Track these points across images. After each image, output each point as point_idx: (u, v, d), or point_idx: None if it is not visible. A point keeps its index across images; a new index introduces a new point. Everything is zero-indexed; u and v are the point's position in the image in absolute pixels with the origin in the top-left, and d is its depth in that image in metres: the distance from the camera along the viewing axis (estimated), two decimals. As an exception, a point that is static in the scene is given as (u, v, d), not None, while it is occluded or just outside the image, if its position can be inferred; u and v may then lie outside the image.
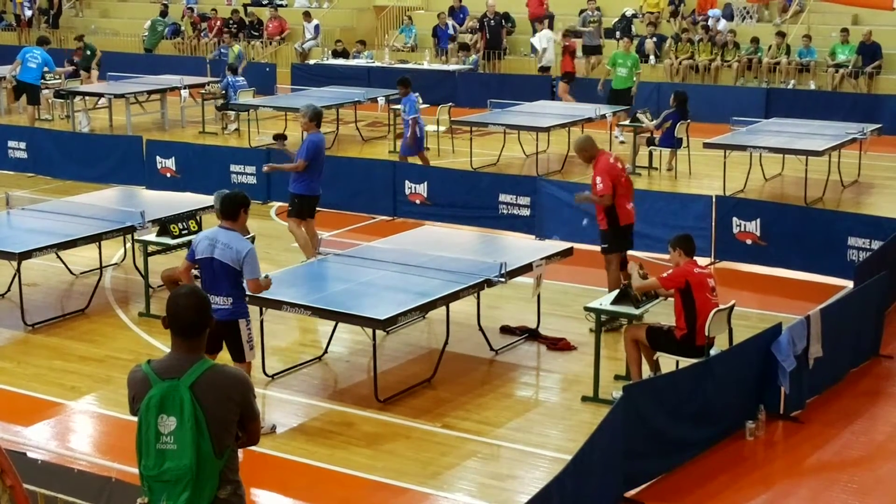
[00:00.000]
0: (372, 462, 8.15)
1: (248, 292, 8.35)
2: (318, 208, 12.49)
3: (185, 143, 17.75)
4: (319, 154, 12.11)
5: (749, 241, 12.62)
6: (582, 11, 24.99)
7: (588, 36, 24.66)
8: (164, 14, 29.55)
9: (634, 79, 19.55)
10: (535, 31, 24.86)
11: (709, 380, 8.19)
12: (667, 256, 9.28)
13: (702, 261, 11.91)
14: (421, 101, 17.55)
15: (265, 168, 13.30)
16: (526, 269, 10.10)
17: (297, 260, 11.96)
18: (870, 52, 22.59)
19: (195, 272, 8.55)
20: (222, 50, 23.15)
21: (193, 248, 8.45)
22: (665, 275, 8.84)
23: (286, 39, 28.36)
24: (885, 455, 8.40)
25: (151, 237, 11.28)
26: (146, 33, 28.85)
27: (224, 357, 8.30)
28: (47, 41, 22.69)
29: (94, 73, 23.82)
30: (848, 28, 23.24)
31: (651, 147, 17.53)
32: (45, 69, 20.99)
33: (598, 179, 10.49)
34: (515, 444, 8.47)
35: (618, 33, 25.20)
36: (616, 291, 9.30)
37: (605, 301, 9.33)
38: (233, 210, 8.32)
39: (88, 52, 23.90)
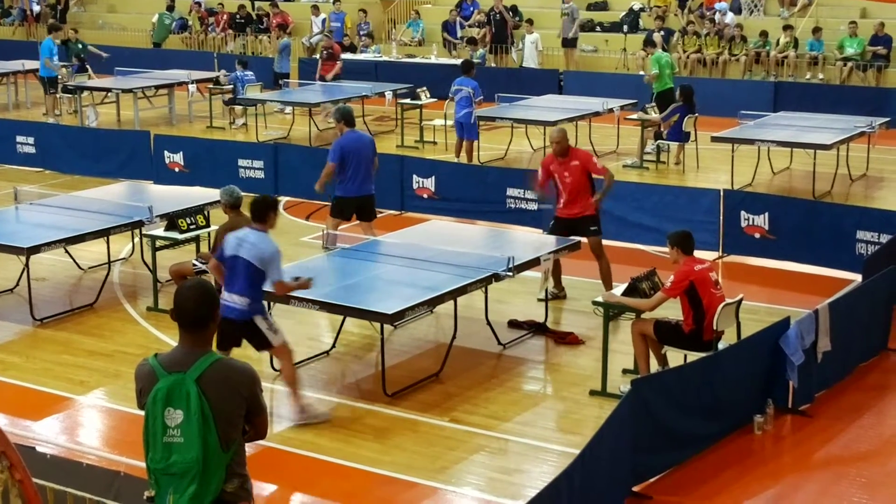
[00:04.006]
0: (380, 456, 8.15)
1: (274, 293, 8.54)
2: (326, 203, 12.32)
3: (193, 138, 17.76)
4: (347, 155, 11.81)
5: (757, 235, 12.60)
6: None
7: (564, 28, 24.76)
8: (170, 8, 29.60)
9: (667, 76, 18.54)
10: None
11: (717, 374, 8.18)
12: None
13: (709, 255, 11.97)
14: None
15: (317, 188, 12.33)
16: (534, 263, 10.10)
17: (305, 254, 11.97)
18: (882, 44, 22.59)
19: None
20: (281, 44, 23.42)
21: (222, 247, 8.57)
22: (668, 284, 8.78)
23: (293, 34, 28.35)
24: (894, 449, 8.39)
25: (159, 232, 11.29)
26: (153, 28, 28.90)
27: (239, 353, 8.33)
28: (54, 28, 22.79)
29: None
30: (856, 21, 23.18)
31: (659, 141, 17.51)
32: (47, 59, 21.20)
33: (595, 159, 11.29)
34: (523, 439, 8.47)
35: (625, 27, 25.25)
36: (625, 286, 9.27)
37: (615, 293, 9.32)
38: (261, 212, 8.45)
39: (80, 46, 23.98)
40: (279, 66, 22.86)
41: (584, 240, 10.98)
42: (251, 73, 21.71)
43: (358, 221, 12.15)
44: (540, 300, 10.94)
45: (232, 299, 8.32)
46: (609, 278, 11.02)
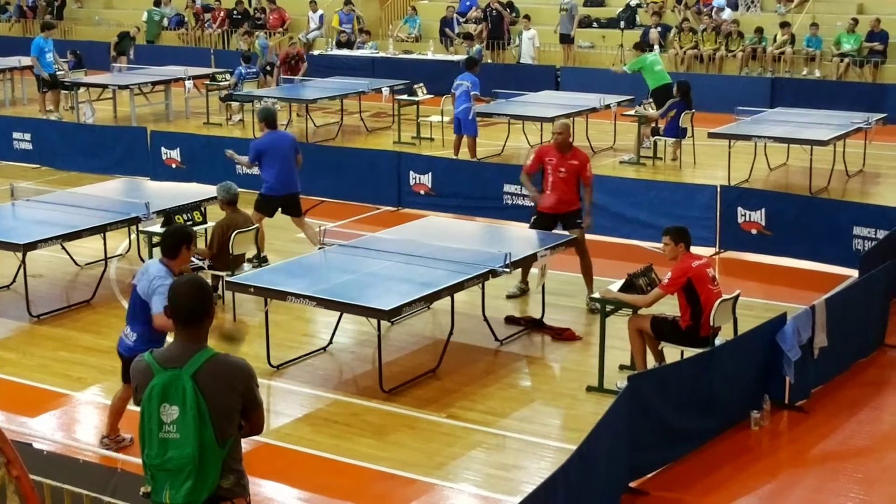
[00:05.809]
0: (377, 452, 8.15)
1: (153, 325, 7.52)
2: (323, 199, 12.48)
3: (190, 134, 17.73)
4: (263, 154, 12.07)
5: (754, 231, 12.60)
6: None
7: (562, 24, 24.90)
8: (157, 3, 29.54)
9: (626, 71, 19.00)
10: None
11: (714, 370, 8.19)
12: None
13: (706, 251, 11.97)
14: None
15: (226, 153, 13.37)
16: (531, 259, 10.10)
17: (301, 251, 11.97)
18: (879, 40, 22.58)
19: None
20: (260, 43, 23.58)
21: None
22: (666, 280, 8.79)
23: (289, 30, 28.32)
24: (890, 445, 8.39)
25: (156, 228, 11.29)
26: (144, 26, 28.87)
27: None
28: (47, 26, 22.76)
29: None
30: (854, 17, 23.16)
31: (656, 137, 17.52)
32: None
33: (590, 166, 11.10)
34: (520, 435, 8.48)
35: (622, 23, 25.22)
36: (622, 282, 9.27)
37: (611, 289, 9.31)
38: (172, 247, 7.54)
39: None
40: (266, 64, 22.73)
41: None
42: (255, 68, 21.69)
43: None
44: (509, 296, 11.10)
45: (125, 332, 7.76)
46: (590, 275, 11.02)
